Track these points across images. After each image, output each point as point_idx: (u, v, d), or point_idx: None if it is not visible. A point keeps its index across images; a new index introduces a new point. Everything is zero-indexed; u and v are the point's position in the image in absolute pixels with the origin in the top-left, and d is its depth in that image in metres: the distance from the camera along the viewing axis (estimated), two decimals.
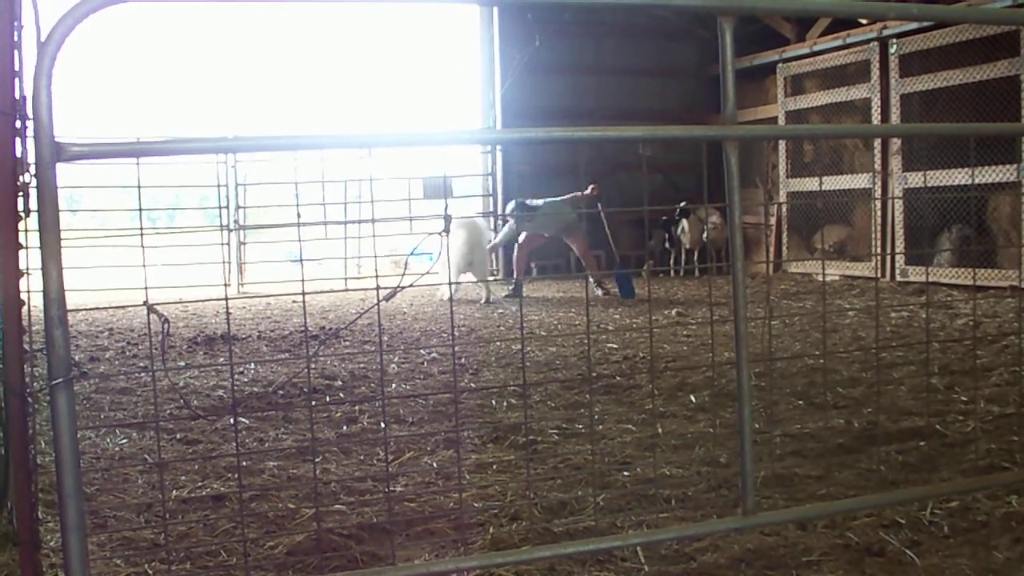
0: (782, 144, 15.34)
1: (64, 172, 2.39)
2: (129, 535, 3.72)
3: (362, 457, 4.87)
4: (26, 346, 2.77)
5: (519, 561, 3.19)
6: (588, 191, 13.05)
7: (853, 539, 3.42)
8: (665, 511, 3.82)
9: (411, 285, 3.32)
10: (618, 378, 6.64)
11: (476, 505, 3.98)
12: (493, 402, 6.03)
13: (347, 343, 8.99)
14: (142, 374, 7.19)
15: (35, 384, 2.80)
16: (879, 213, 13.24)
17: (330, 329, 9.95)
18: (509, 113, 16.66)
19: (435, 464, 4.66)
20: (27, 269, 2.73)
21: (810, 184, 15.10)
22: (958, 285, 11.74)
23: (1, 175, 2.65)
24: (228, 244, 15.11)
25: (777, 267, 15.30)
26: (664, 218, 15.60)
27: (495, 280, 13.98)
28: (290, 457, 4.86)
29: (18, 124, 2.69)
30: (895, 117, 12.95)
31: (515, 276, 13.30)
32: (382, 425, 5.53)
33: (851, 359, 7.08)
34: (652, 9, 15.45)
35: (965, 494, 3.79)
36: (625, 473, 4.39)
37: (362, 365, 7.51)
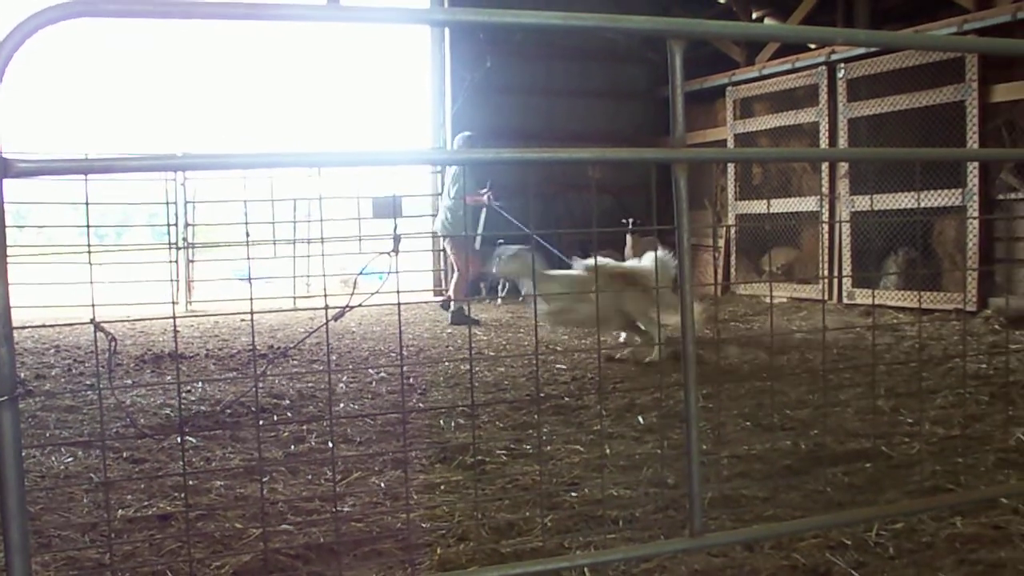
0: (731, 167, 15.45)
1: (11, 187, 2.37)
2: (74, 555, 3.67)
3: (310, 477, 4.84)
4: None
5: None
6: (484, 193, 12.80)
7: (800, 560, 3.44)
8: (613, 532, 3.83)
9: (360, 305, 3.31)
10: (566, 399, 6.65)
11: (424, 525, 3.97)
12: (441, 422, 6.02)
13: (295, 362, 8.95)
14: (88, 392, 7.12)
15: None
16: (826, 236, 13.38)
17: (278, 348, 9.89)
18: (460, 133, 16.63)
19: (383, 484, 4.65)
20: None
21: (758, 207, 15.21)
22: (904, 308, 11.87)
23: None
24: (176, 262, 15.01)
25: (725, 289, 15.39)
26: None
27: None
28: (237, 476, 4.82)
29: None
30: (843, 141, 13.10)
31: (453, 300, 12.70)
32: (330, 445, 5.49)
33: (798, 381, 7.13)
34: (603, 32, 15.56)
35: (910, 515, 3.84)
36: (573, 494, 4.39)
37: (310, 384, 7.47)
